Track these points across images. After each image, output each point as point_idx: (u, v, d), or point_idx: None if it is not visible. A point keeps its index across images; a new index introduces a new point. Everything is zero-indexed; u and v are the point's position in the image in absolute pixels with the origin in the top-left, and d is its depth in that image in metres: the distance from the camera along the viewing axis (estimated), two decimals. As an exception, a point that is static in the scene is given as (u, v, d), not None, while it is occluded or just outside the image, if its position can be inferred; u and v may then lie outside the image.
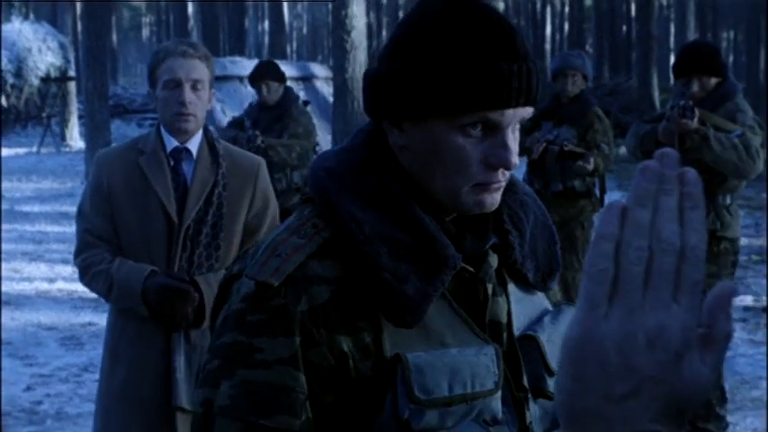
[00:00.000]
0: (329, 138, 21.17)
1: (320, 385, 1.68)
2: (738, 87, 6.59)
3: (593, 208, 7.82)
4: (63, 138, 26.93)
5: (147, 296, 3.87)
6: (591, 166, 7.58)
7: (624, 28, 45.56)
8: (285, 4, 45.61)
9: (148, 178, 3.95)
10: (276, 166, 8.10)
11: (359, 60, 18.97)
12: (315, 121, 25.39)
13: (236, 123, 8.59)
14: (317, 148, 9.04)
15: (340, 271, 1.70)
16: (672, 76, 6.80)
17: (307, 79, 25.61)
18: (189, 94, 3.90)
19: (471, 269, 1.76)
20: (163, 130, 4.02)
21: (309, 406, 1.67)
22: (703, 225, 0.92)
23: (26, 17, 40.33)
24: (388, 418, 1.67)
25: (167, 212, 3.93)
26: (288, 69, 26.07)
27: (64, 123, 27.04)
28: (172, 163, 3.99)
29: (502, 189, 1.74)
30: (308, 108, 9.00)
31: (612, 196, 16.55)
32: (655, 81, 28.50)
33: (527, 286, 1.87)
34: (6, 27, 27.81)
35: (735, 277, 6.87)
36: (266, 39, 52.12)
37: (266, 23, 56.16)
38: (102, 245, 3.98)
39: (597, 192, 7.97)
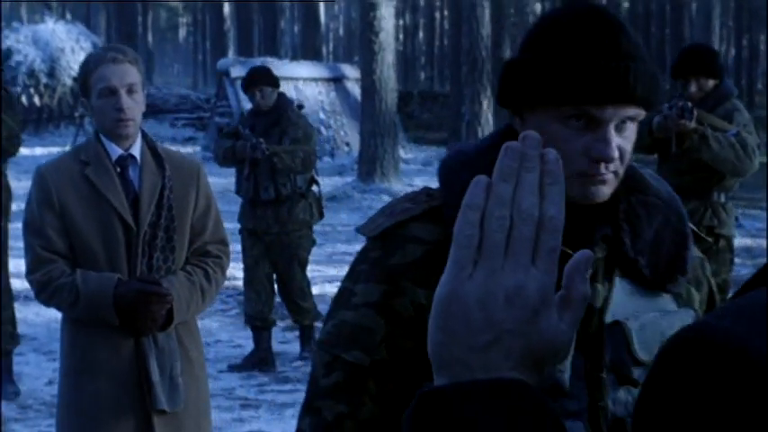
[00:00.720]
0: (357, 137, 21.25)
1: (401, 331, 1.92)
2: (734, 89, 6.80)
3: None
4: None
5: (120, 303, 3.88)
6: None
7: (653, 29, 45.43)
8: (321, 6, 45.77)
9: (99, 189, 3.94)
10: (280, 172, 8.15)
11: (387, 62, 19.05)
12: (345, 120, 25.33)
13: (231, 133, 8.50)
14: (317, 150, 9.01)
15: (439, 235, 1.90)
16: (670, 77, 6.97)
17: (337, 80, 25.72)
18: (126, 100, 3.90)
19: (570, 251, 1.84)
20: (103, 138, 4.00)
21: (387, 348, 1.94)
22: (562, 199, 1.02)
23: (63, 17, 40.68)
24: None
25: (124, 220, 3.94)
26: (319, 71, 26.32)
27: (96, 122, 27.21)
28: (119, 170, 3.99)
29: (609, 182, 1.86)
30: (303, 111, 8.98)
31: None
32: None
33: (646, 285, 1.97)
34: (40, 27, 28.09)
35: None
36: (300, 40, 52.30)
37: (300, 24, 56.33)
38: (58, 259, 3.96)
39: None
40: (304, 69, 25.41)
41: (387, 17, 18.89)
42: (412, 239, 1.94)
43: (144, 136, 4.07)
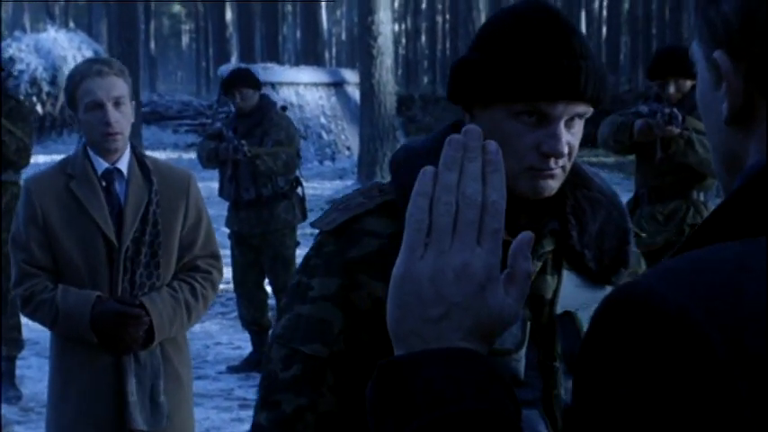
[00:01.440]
0: (357, 141, 21.34)
1: (358, 324, 1.96)
2: None
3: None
4: (99, 144, 27.14)
5: (97, 324, 3.81)
6: None
7: (654, 31, 45.46)
8: (323, 12, 45.83)
9: (82, 203, 3.88)
10: (262, 174, 8.14)
11: (385, 66, 19.11)
12: (346, 124, 25.26)
13: (215, 135, 8.48)
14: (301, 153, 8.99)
15: (393, 228, 1.96)
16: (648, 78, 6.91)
17: (338, 85, 25.76)
18: (113, 114, 3.82)
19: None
20: (90, 151, 3.93)
21: (344, 340, 1.98)
22: (503, 185, 1.13)
23: (65, 25, 40.77)
24: None
25: (106, 236, 3.86)
26: (319, 76, 26.36)
27: (99, 130, 27.27)
28: (104, 184, 3.92)
29: (558, 177, 1.93)
30: (287, 113, 8.94)
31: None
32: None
33: (592, 278, 2.03)
34: (42, 36, 28.16)
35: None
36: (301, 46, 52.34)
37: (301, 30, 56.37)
38: (41, 274, 3.90)
39: None
40: (305, 74, 25.48)
41: (385, 22, 18.95)
42: (367, 233, 1.99)
43: (133, 149, 4.00)
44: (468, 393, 1.06)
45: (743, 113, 1.10)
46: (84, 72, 3.87)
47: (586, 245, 2.02)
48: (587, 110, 1.91)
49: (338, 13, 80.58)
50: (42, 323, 3.97)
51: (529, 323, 1.95)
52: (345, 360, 1.98)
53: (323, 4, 46.28)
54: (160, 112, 32.08)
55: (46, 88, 27.76)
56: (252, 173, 8.16)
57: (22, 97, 26.98)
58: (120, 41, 20.21)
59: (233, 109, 8.59)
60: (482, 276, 1.11)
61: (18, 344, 7.63)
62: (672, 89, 6.55)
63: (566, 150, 1.89)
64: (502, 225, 1.12)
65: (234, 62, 34.92)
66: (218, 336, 9.48)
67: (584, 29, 49.84)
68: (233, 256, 8.36)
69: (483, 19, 20.93)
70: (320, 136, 24.74)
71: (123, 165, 3.94)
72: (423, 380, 1.07)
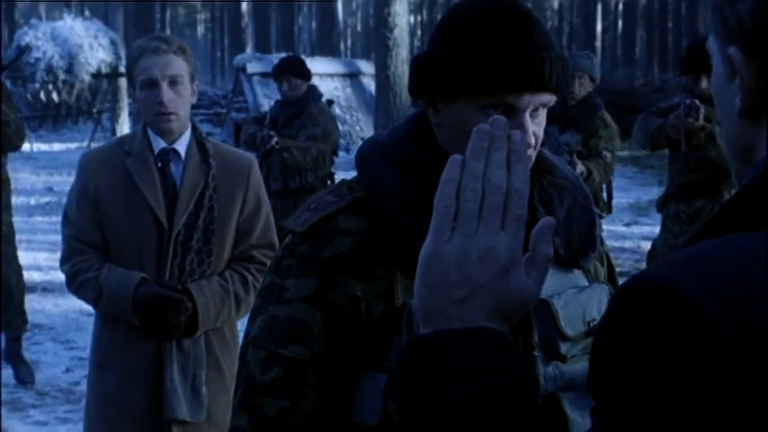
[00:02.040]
0: (372, 132, 21.37)
1: (335, 323, 1.96)
2: None
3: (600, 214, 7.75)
4: (113, 133, 27.12)
5: (139, 305, 3.71)
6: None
7: (670, 24, 45.35)
8: (339, 3, 45.80)
9: (136, 181, 3.76)
10: (290, 167, 8.15)
11: (401, 57, 19.12)
12: (361, 115, 25.19)
13: (258, 119, 8.52)
14: (340, 149, 8.96)
15: (365, 226, 1.98)
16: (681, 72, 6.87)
17: (353, 76, 25.76)
18: (167, 93, 3.71)
19: None
20: (149, 130, 3.82)
21: (324, 340, 1.97)
22: (526, 174, 1.18)
23: (81, 13, 40.83)
24: (394, 359, 1.92)
25: (157, 217, 3.75)
26: (335, 66, 26.37)
27: (114, 119, 27.27)
28: (160, 164, 3.81)
29: None
30: (333, 108, 8.92)
31: (653, 191, 16.59)
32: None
33: (561, 263, 2.06)
34: (58, 24, 28.14)
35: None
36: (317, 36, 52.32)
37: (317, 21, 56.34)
38: (89, 251, 3.80)
39: (605, 196, 7.96)
40: (320, 65, 25.44)
41: (401, 13, 18.96)
42: (341, 232, 1.98)
43: (194, 130, 3.87)
44: (492, 370, 1.11)
45: (755, 107, 1.14)
46: (141, 49, 3.77)
47: (555, 231, 2.02)
48: (551, 99, 1.95)
49: (354, 4, 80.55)
50: (86, 301, 3.89)
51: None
52: (326, 360, 1.97)
53: (338, -6, 46.28)
54: (175, 101, 32.02)
55: (62, 76, 27.74)
56: (281, 164, 8.15)
57: (37, 85, 27.11)
58: (137, 30, 20.25)
59: (248, 100, 8.62)
60: (506, 260, 1.16)
61: (21, 326, 7.71)
62: (704, 84, 6.50)
63: (533, 141, 1.93)
64: (525, 211, 1.18)
65: (249, 52, 34.93)
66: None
67: (599, 22, 49.80)
68: None
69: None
70: (335, 127, 24.74)
71: (182, 146, 3.83)
72: (450, 358, 1.12)
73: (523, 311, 1.19)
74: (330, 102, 9.22)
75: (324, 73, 24.84)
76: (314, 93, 8.49)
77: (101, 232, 3.79)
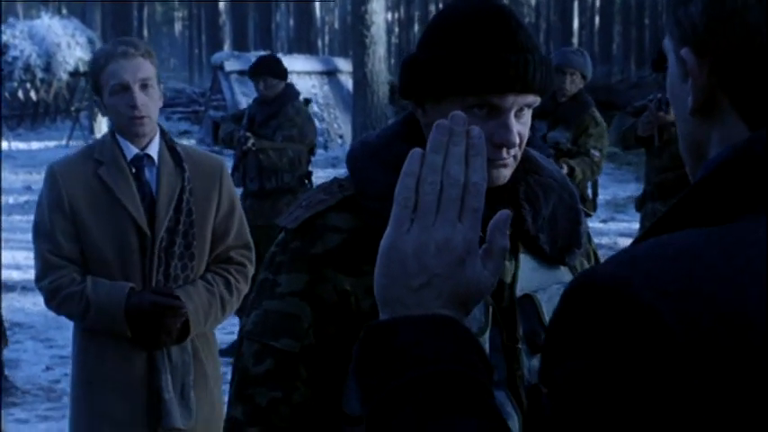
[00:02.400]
0: (350, 129, 21.38)
1: (325, 317, 2.03)
2: None
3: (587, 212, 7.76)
4: (92, 131, 27.13)
5: (132, 315, 3.66)
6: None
7: (646, 21, 45.46)
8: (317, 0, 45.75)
9: (113, 190, 3.69)
10: (266, 168, 8.13)
11: (378, 55, 19.11)
12: (338, 113, 25.16)
13: (236, 117, 8.50)
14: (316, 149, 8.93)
15: (354, 223, 2.05)
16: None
17: (331, 73, 25.74)
18: (140, 96, 3.66)
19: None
20: (119, 137, 3.76)
21: (314, 333, 2.04)
22: (484, 168, 1.23)
23: (58, 12, 40.67)
24: None
25: (138, 225, 3.69)
26: (313, 64, 26.35)
27: (92, 117, 27.23)
28: (134, 171, 3.75)
29: (510, 166, 2.02)
30: (311, 105, 8.87)
31: (630, 188, 16.67)
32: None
33: (546, 259, 2.12)
34: (36, 22, 28.11)
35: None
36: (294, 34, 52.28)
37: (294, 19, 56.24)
38: (68, 265, 3.71)
39: (590, 194, 7.96)
40: (298, 63, 25.46)
41: (378, 11, 18.94)
42: (330, 229, 2.06)
43: (162, 134, 3.82)
44: (444, 356, 1.16)
45: (706, 106, 1.19)
46: (109, 54, 3.71)
47: (540, 228, 2.11)
48: (535, 100, 2.01)
49: (331, 2, 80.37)
50: (70, 317, 3.80)
51: (491, 307, 2.03)
52: (316, 353, 2.05)
53: (316, -8, 46.25)
54: (153, 99, 31.93)
55: (40, 75, 27.70)
56: (258, 165, 8.13)
57: (15, 84, 27.02)
58: (114, 28, 20.21)
59: (226, 98, 8.62)
60: (462, 250, 1.20)
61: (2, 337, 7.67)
62: None
63: (517, 140, 1.99)
64: (482, 204, 1.22)
65: (227, 50, 34.91)
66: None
67: (576, 19, 49.87)
68: None
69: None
70: (313, 124, 24.71)
71: (153, 150, 3.78)
72: (404, 342, 1.17)
73: (479, 300, 1.24)
74: (308, 100, 9.18)
75: (301, 71, 24.83)
76: (291, 92, 8.45)
77: (78, 245, 3.72)
